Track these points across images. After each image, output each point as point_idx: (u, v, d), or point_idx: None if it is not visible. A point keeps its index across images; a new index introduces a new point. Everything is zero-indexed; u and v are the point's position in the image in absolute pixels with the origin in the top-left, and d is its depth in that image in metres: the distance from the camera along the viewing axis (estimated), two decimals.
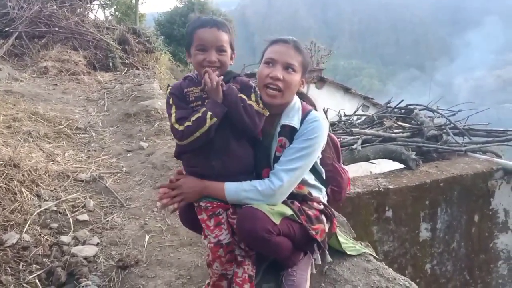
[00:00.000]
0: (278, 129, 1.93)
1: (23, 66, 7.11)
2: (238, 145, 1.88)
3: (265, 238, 1.74)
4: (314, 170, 2.04)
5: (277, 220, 1.76)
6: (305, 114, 1.93)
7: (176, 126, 1.79)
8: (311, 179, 2.04)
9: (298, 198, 1.97)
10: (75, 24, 8.29)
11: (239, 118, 1.80)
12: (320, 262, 2.10)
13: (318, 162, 2.05)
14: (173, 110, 1.85)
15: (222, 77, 1.81)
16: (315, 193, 2.05)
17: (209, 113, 1.75)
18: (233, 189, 1.84)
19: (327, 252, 2.07)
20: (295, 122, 1.90)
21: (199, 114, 1.76)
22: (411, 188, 4.67)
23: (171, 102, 1.87)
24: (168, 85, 1.97)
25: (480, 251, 5.22)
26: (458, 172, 4.93)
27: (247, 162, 1.93)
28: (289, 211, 1.85)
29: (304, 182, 1.98)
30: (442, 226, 4.95)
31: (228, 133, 1.84)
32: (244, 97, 1.83)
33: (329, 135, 2.18)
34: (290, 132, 1.91)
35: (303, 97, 2.08)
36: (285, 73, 1.87)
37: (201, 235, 1.98)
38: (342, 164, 2.29)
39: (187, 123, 1.76)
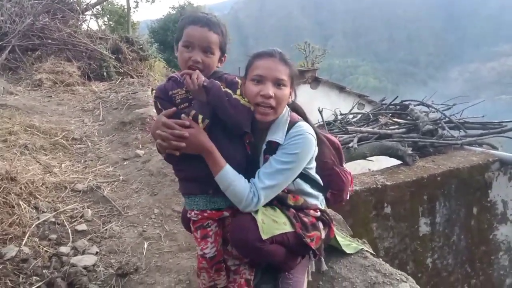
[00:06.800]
0: (264, 146, 1.85)
1: (18, 79, 7.13)
2: (229, 145, 1.81)
3: (257, 247, 1.73)
4: (309, 179, 1.97)
5: (265, 236, 1.73)
6: (289, 126, 1.84)
7: None
8: (307, 187, 1.97)
9: (294, 208, 1.93)
10: (68, 36, 8.32)
11: (225, 112, 1.73)
12: (314, 270, 2.10)
13: (313, 172, 1.99)
14: None
15: (203, 78, 1.72)
16: (311, 201, 2.00)
17: (200, 116, 1.73)
18: (229, 175, 1.74)
19: (323, 259, 2.06)
20: (279, 137, 1.82)
21: (190, 118, 1.73)
22: (408, 184, 4.68)
23: (159, 106, 1.82)
24: (152, 89, 1.89)
25: (480, 243, 5.23)
26: (454, 165, 4.93)
27: (240, 163, 1.83)
28: (281, 227, 1.80)
29: (299, 192, 1.94)
30: (441, 220, 4.96)
31: (219, 133, 1.78)
32: (230, 91, 1.75)
33: (329, 138, 2.15)
34: (277, 148, 1.83)
35: (294, 106, 1.98)
36: (275, 89, 1.78)
37: None
38: (344, 167, 2.21)
39: None
